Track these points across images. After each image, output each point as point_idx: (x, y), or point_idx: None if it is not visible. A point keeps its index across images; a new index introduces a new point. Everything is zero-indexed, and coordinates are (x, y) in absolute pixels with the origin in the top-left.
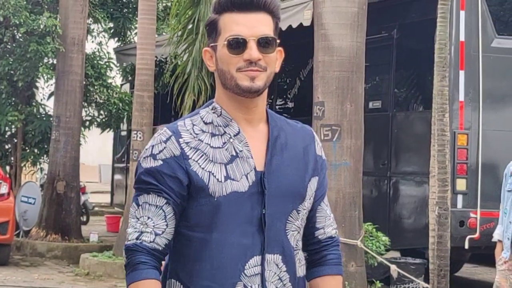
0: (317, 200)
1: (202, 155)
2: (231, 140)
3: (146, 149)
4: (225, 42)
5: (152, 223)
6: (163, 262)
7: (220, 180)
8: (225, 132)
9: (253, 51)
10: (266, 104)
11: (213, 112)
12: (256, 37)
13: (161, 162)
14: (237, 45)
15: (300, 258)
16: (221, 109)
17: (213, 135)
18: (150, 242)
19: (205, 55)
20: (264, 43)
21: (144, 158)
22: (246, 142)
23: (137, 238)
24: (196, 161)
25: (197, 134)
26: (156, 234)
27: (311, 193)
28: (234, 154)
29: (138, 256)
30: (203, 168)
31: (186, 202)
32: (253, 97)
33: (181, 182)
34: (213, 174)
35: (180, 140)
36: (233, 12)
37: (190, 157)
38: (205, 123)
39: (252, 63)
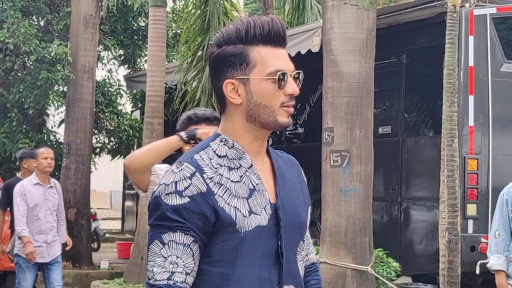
0: None
1: (226, 190)
2: (247, 173)
3: (167, 185)
4: (276, 77)
5: (182, 262)
6: None
7: (245, 215)
8: (240, 165)
9: (294, 85)
10: None
11: (224, 144)
12: (292, 72)
13: (188, 199)
14: (282, 80)
15: None
16: (233, 141)
17: (230, 169)
18: (182, 282)
19: (227, 87)
20: (296, 78)
21: (167, 194)
22: (259, 175)
23: (168, 279)
24: (222, 197)
25: (216, 168)
26: (187, 274)
27: (308, 222)
28: (252, 187)
29: None
30: (228, 204)
31: (208, 238)
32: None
33: (208, 219)
34: (238, 209)
35: (204, 175)
36: (268, 46)
37: (215, 193)
38: (219, 156)
39: (291, 98)
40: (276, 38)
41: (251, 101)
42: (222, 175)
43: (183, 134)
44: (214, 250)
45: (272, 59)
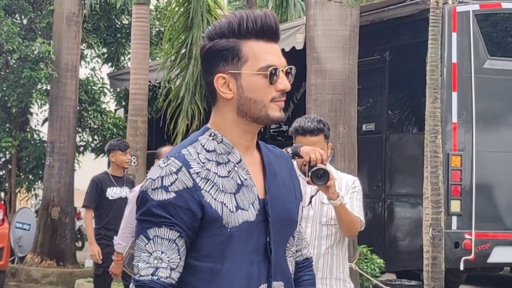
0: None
1: (213, 186)
2: (235, 168)
3: (154, 180)
4: (267, 72)
5: (167, 257)
6: None
7: (232, 210)
8: (228, 160)
9: (286, 81)
10: None
11: (213, 139)
12: (284, 67)
13: (174, 195)
14: (274, 75)
15: None
16: (222, 135)
17: (218, 163)
18: (167, 277)
19: (218, 81)
20: (288, 73)
21: (154, 189)
22: (247, 170)
23: (152, 274)
24: (208, 192)
25: (203, 163)
26: (172, 269)
27: (299, 218)
28: (240, 182)
29: None
30: (215, 199)
31: (196, 233)
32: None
33: (194, 214)
34: (225, 204)
35: (191, 170)
36: (260, 40)
37: (202, 188)
38: (208, 151)
39: (283, 94)
40: (269, 33)
41: (242, 95)
42: (209, 170)
43: (289, 149)
44: (202, 245)
45: (264, 54)
